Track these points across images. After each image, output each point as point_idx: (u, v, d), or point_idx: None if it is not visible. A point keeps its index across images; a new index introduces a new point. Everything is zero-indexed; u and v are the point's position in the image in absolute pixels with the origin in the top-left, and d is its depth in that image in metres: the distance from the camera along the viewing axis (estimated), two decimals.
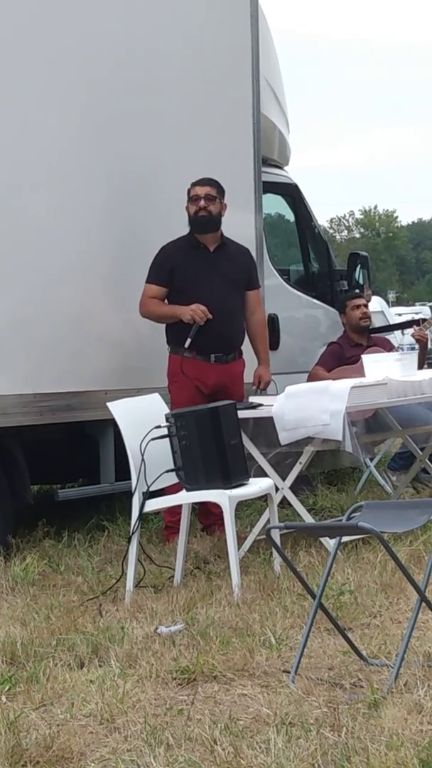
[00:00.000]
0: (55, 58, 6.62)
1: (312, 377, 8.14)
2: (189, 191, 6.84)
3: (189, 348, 6.71)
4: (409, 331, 8.64)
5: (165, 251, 6.79)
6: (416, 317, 10.08)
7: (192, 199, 6.81)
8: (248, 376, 7.10)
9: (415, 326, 8.47)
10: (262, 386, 7.20)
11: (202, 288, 6.72)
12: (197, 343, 6.72)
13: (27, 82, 6.45)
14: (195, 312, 6.66)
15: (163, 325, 6.83)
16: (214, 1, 7.82)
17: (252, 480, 5.79)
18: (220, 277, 6.81)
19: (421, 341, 8.25)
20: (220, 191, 6.85)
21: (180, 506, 6.13)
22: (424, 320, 8.72)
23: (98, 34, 6.87)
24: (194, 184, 6.84)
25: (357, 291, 9.24)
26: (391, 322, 13.71)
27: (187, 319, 6.68)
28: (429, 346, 8.50)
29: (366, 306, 8.67)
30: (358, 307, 8.53)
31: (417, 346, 7.95)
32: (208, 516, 6.71)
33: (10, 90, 6.36)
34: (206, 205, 6.77)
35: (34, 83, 6.49)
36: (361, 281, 9.65)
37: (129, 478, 5.68)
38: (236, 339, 6.95)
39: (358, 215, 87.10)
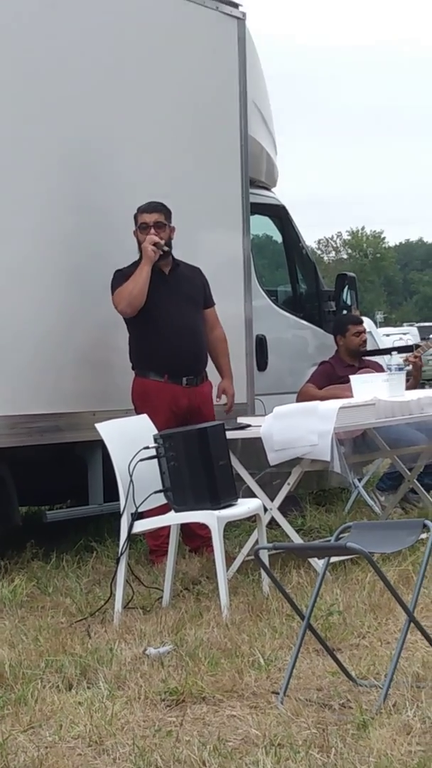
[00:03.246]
0: (38, 78, 6.64)
1: (302, 394, 8.16)
2: (136, 217, 6.75)
3: (160, 372, 6.67)
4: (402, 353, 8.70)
5: (124, 274, 6.70)
6: (404, 337, 10.14)
7: (141, 227, 6.73)
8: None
9: (415, 349, 8.54)
10: (228, 401, 7.14)
11: (167, 312, 6.69)
12: (168, 367, 6.70)
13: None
14: (150, 242, 6.60)
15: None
16: (201, 24, 7.86)
17: (240, 500, 5.79)
18: (182, 299, 6.79)
19: (416, 365, 8.30)
20: (168, 215, 6.79)
21: (162, 530, 6.14)
22: (418, 346, 8.80)
23: (84, 56, 6.89)
24: (141, 210, 6.74)
25: (354, 314, 9.26)
26: (379, 343, 13.74)
27: (150, 254, 6.60)
28: (423, 368, 8.57)
29: (365, 332, 8.73)
30: (360, 333, 8.57)
31: (404, 367, 7.98)
32: (192, 539, 6.69)
33: None
34: (157, 233, 6.71)
35: (11, 100, 6.50)
36: (348, 302, 9.69)
37: (117, 499, 5.68)
38: (204, 359, 6.95)
39: (345, 236, 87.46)
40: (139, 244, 6.75)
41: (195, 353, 6.84)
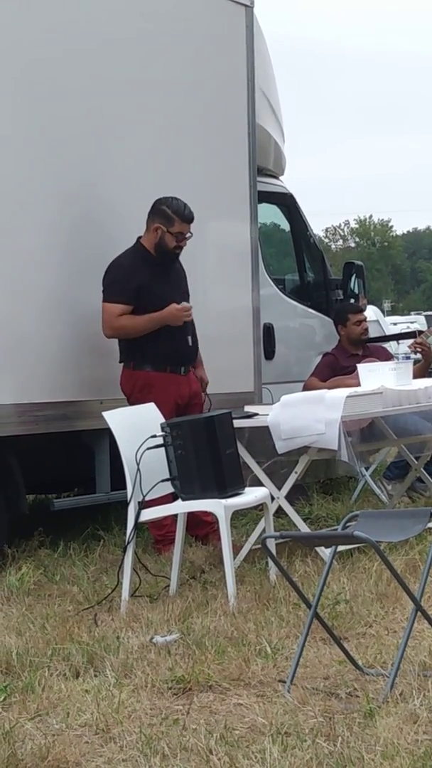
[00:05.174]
0: (41, 65, 6.62)
1: (307, 387, 8.14)
2: (172, 219, 6.66)
3: (161, 364, 6.66)
4: (406, 341, 8.67)
5: (124, 269, 6.66)
6: (411, 326, 10.16)
7: (177, 234, 6.68)
8: None
9: (418, 335, 8.48)
10: (204, 387, 7.05)
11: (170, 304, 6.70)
12: (172, 358, 6.71)
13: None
14: (181, 314, 6.63)
15: None
16: (209, 12, 7.84)
17: (247, 489, 5.79)
18: (179, 291, 6.81)
19: (424, 351, 8.22)
20: None
21: (165, 520, 6.15)
22: (421, 332, 8.75)
23: (89, 44, 6.87)
24: (183, 219, 6.68)
25: (356, 303, 9.25)
26: (387, 331, 13.76)
27: (179, 323, 6.65)
28: None
29: (366, 320, 8.71)
30: (360, 322, 8.55)
31: (412, 356, 7.96)
32: (199, 526, 6.67)
33: None
34: (185, 244, 6.74)
35: (16, 90, 6.48)
36: (356, 290, 9.67)
37: (124, 487, 5.68)
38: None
39: (353, 225, 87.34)
40: (160, 241, 6.68)
41: (194, 344, 6.87)
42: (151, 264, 6.72)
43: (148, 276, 6.67)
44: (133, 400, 6.59)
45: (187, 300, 6.87)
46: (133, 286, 6.63)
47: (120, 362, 6.77)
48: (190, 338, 6.79)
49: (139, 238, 6.79)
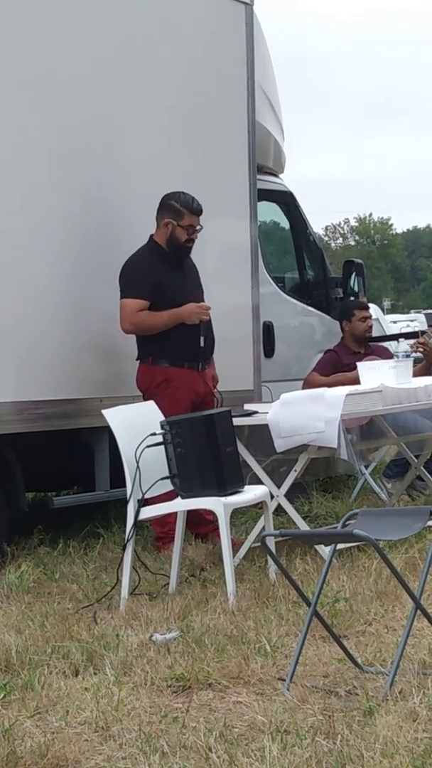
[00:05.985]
0: (41, 63, 6.62)
1: (308, 383, 8.14)
2: (181, 213, 6.71)
3: (179, 360, 6.69)
4: (408, 339, 8.66)
5: (141, 266, 6.68)
6: (411, 324, 10.14)
7: (187, 227, 6.72)
8: None
9: (421, 335, 8.47)
10: (214, 384, 7.10)
11: (186, 302, 6.72)
12: (190, 354, 6.72)
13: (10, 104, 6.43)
14: (199, 312, 6.68)
15: None
16: (208, 8, 7.83)
17: (247, 487, 5.79)
18: (195, 287, 6.86)
19: (426, 351, 8.20)
20: None
21: (169, 517, 6.15)
22: (423, 331, 8.74)
23: (89, 41, 6.87)
24: (192, 212, 6.74)
25: (362, 300, 9.25)
26: (387, 330, 13.74)
27: (194, 321, 6.70)
28: None
29: (371, 317, 8.71)
30: (366, 319, 8.55)
31: (412, 354, 7.96)
32: (200, 525, 6.67)
33: None
34: (196, 237, 6.78)
35: (14, 89, 6.47)
36: (356, 289, 9.67)
37: (124, 485, 5.68)
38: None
39: (353, 223, 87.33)
40: (171, 235, 6.71)
41: (211, 340, 6.87)
42: (166, 260, 6.75)
43: (164, 272, 6.70)
44: (149, 395, 6.58)
45: (202, 294, 6.88)
46: (150, 283, 6.66)
47: (137, 359, 6.77)
48: (202, 339, 6.79)
49: (152, 235, 6.81)
